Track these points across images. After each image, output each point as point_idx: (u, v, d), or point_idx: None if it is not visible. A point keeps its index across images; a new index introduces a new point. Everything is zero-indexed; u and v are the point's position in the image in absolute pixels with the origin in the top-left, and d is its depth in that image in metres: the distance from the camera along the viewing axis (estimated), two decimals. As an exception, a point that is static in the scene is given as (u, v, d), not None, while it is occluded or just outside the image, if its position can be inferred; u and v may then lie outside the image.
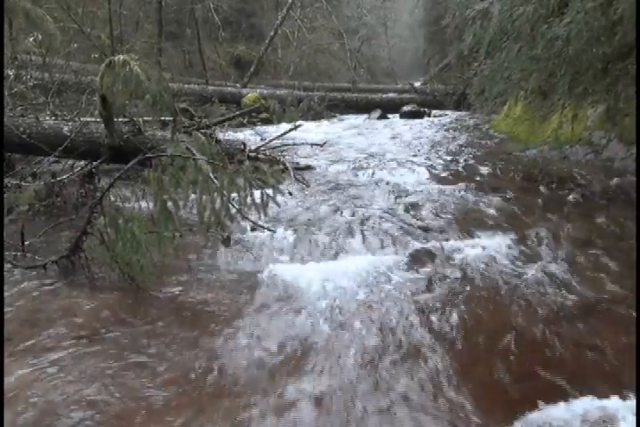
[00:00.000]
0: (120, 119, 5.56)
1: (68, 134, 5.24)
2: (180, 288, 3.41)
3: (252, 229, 4.05)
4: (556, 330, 2.85)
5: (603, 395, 2.28)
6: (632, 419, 2.11)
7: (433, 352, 2.68)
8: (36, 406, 2.31)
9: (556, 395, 2.30)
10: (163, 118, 6.20)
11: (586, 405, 2.24)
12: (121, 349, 2.75)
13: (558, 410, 2.22)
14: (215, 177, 3.13)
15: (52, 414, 2.27)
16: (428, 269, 3.58)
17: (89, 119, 5.88)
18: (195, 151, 3.28)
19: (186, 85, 13.27)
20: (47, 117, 5.88)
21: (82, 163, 5.59)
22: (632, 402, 2.21)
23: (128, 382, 2.49)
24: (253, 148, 6.63)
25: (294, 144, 8.02)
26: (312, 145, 8.10)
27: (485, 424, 2.20)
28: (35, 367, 2.56)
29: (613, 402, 2.23)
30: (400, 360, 2.62)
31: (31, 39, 8.00)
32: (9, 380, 2.44)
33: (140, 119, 5.72)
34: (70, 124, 5.57)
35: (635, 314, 2.89)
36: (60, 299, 3.26)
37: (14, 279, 3.43)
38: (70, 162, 5.66)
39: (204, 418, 2.25)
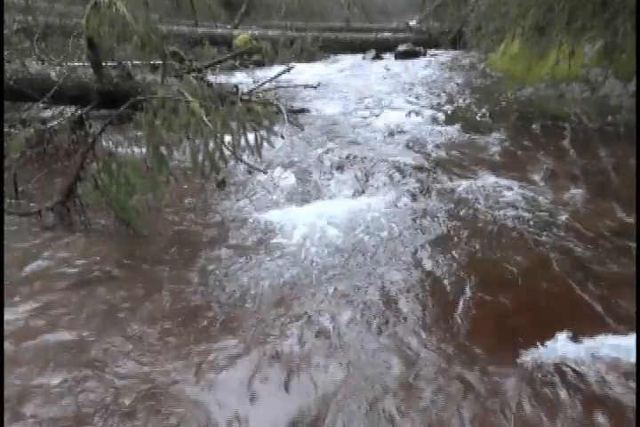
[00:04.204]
0: (109, 63, 5.43)
1: (56, 80, 5.12)
2: (175, 231, 3.43)
3: (248, 172, 4.04)
4: (554, 263, 2.90)
5: (615, 331, 2.32)
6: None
7: (424, 286, 2.73)
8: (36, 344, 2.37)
9: (564, 330, 2.35)
10: (152, 62, 6.05)
11: (597, 341, 2.28)
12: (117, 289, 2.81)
13: (568, 346, 2.27)
14: (208, 120, 3.09)
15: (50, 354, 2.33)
16: (422, 208, 3.60)
17: (77, 64, 5.73)
18: (186, 94, 3.22)
19: (175, 27, 12.87)
20: (33, 62, 5.73)
21: (72, 109, 5.49)
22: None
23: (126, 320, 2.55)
24: (246, 90, 6.50)
25: (288, 86, 7.85)
26: (306, 87, 7.92)
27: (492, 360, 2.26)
28: (35, 311, 2.61)
29: (626, 339, 2.27)
30: (382, 296, 2.67)
31: (12, -19, 7.70)
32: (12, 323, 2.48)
33: (130, 63, 5.58)
34: (57, 69, 5.42)
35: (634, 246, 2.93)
36: (57, 244, 3.28)
37: (11, 226, 3.43)
38: (60, 108, 5.57)
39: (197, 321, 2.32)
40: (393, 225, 3.40)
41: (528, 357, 2.21)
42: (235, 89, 6.29)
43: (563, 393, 2.03)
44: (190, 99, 3.12)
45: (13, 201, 3.65)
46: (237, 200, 3.88)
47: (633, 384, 2.03)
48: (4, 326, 2.41)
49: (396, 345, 2.34)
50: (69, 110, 5.48)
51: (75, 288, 2.82)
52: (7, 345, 2.32)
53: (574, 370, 2.13)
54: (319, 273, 2.90)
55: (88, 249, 3.23)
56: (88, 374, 2.20)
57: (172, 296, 2.74)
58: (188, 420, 1.97)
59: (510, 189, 3.80)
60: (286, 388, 2.12)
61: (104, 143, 3.61)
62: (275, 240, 3.28)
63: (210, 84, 5.92)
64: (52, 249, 3.21)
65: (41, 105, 5.30)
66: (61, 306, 2.66)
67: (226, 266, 3.01)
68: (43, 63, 5.79)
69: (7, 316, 2.48)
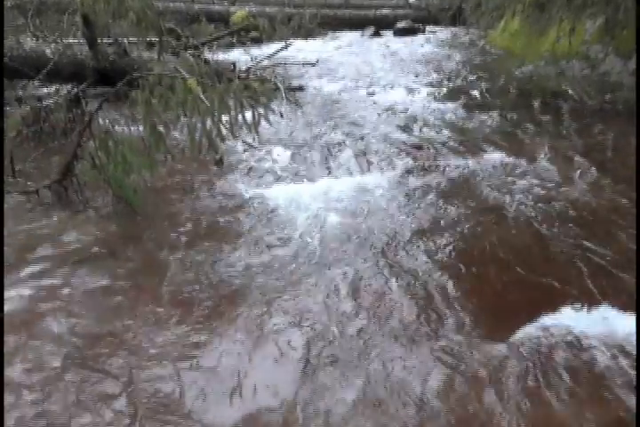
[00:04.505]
0: (104, 40, 5.37)
1: (51, 57, 5.09)
2: (172, 210, 3.43)
3: (245, 150, 4.02)
4: (551, 239, 2.91)
5: (607, 307, 2.34)
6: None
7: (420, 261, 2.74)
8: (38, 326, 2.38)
9: (556, 305, 2.36)
10: (148, 39, 5.98)
11: (587, 316, 2.31)
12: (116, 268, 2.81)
13: (558, 320, 2.29)
14: (205, 97, 3.06)
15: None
16: (420, 186, 3.60)
17: (72, 41, 5.67)
18: (183, 71, 3.19)
19: (170, 4, 12.70)
20: (28, 39, 5.67)
21: (68, 87, 5.44)
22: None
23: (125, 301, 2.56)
24: (244, 68, 6.45)
25: (286, 64, 7.79)
26: (304, 64, 7.88)
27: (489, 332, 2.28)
28: (34, 290, 2.62)
29: (616, 314, 2.30)
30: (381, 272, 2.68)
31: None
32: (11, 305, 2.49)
33: (126, 40, 5.53)
34: (53, 46, 5.38)
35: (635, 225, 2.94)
36: (55, 222, 3.27)
37: (8, 205, 3.42)
38: (56, 86, 5.52)
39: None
40: (391, 203, 3.40)
41: (522, 332, 2.23)
42: (232, 66, 6.28)
43: (553, 367, 2.05)
44: (187, 76, 3.09)
45: (11, 179, 3.63)
46: (235, 178, 3.86)
47: (623, 360, 2.06)
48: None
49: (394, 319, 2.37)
50: (65, 88, 5.43)
51: (73, 267, 2.82)
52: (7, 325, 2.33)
53: (567, 344, 2.15)
54: (316, 252, 2.91)
55: (86, 228, 3.22)
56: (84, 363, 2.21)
57: (171, 275, 2.74)
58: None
59: (509, 166, 3.79)
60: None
61: (101, 121, 3.57)
62: (274, 218, 3.27)
63: (207, 62, 5.88)
64: (50, 228, 3.21)
65: (36, 83, 5.27)
66: (60, 285, 2.66)
67: (224, 243, 3.01)
68: (37, 40, 5.74)
69: (7, 295, 2.49)
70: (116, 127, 3.64)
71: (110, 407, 1.95)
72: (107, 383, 2.06)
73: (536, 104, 5.38)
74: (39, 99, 5.06)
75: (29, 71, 4.89)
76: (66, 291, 2.61)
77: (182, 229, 3.18)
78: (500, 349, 2.17)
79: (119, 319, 2.41)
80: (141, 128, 3.29)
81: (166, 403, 1.97)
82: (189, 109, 3.02)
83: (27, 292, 2.59)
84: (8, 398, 1.95)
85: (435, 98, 6.06)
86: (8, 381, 2.01)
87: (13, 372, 2.09)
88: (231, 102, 3.10)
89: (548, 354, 2.12)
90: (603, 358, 2.09)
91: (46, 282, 2.68)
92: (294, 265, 2.79)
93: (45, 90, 5.56)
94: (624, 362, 2.06)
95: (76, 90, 5.22)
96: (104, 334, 2.33)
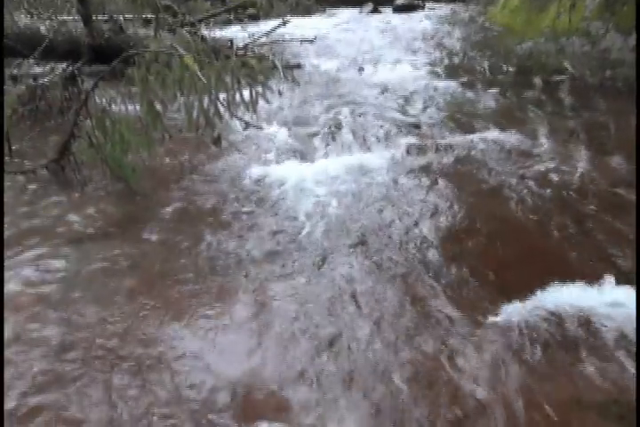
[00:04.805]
0: (100, 17, 5.30)
1: (46, 34, 5.02)
2: (171, 189, 3.42)
3: (243, 129, 3.99)
4: (546, 216, 2.91)
5: (596, 283, 2.35)
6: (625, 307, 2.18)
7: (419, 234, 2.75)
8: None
9: (548, 281, 2.37)
10: (144, 16, 5.92)
11: (578, 292, 2.31)
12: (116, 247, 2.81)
13: (551, 295, 2.30)
14: (202, 74, 3.03)
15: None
16: (420, 163, 3.59)
17: (67, 18, 5.60)
18: (179, 48, 3.15)
19: (166, -20, 12.54)
20: (22, 16, 5.60)
21: (63, 65, 5.38)
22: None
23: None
24: (241, 45, 6.38)
25: (283, 41, 7.71)
26: (302, 42, 7.79)
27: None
28: (32, 271, 2.62)
29: (607, 290, 2.30)
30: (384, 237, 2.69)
31: None
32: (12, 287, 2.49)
33: (121, 17, 5.45)
34: (47, 23, 5.31)
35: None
36: (53, 202, 3.26)
37: (6, 185, 3.41)
38: (51, 65, 5.45)
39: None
40: (391, 182, 3.39)
41: (515, 305, 2.25)
42: (229, 43, 6.19)
43: (547, 340, 2.07)
44: (184, 53, 3.05)
45: (7, 159, 3.61)
46: (233, 157, 3.84)
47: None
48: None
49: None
50: (61, 66, 5.37)
51: (72, 247, 2.82)
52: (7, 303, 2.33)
53: (559, 318, 2.17)
54: (313, 230, 2.91)
55: (84, 208, 3.21)
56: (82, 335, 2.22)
57: (170, 255, 2.74)
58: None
59: (509, 144, 3.77)
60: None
61: (97, 100, 3.53)
62: (272, 198, 3.26)
63: (204, 39, 5.80)
64: (48, 208, 3.20)
65: (31, 61, 5.21)
66: (59, 264, 2.66)
67: (221, 223, 3.01)
68: (32, 17, 5.66)
69: (6, 274, 2.50)
70: (113, 106, 3.61)
71: (112, 384, 1.97)
72: (103, 364, 2.07)
73: (536, 81, 5.33)
74: (34, 77, 5.01)
75: (24, 49, 4.83)
76: (64, 271, 2.61)
77: (180, 209, 3.18)
78: (495, 322, 2.19)
79: (118, 301, 2.42)
80: (138, 107, 3.26)
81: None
82: (186, 87, 2.98)
83: (25, 273, 2.59)
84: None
85: (434, 75, 6.01)
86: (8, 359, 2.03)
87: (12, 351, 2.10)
88: (228, 80, 3.06)
89: (541, 328, 2.14)
90: (598, 332, 2.10)
91: (44, 262, 2.67)
92: (293, 246, 2.79)
93: (40, 68, 5.50)
94: (617, 335, 2.07)
95: (71, 68, 5.16)
96: (102, 316, 2.33)
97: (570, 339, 2.09)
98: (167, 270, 2.61)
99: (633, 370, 1.91)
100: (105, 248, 2.81)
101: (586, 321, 2.15)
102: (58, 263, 2.67)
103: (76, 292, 2.46)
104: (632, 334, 2.05)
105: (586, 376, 1.93)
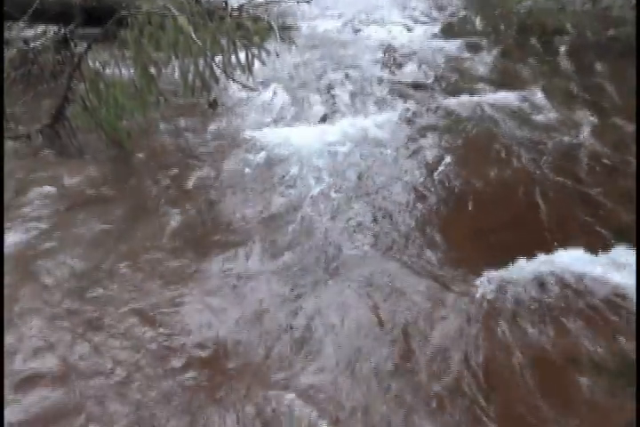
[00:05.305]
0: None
1: (36, -5, 4.89)
2: (166, 153, 3.39)
3: (239, 92, 3.95)
4: (542, 179, 2.91)
5: (588, 247, 2.35)
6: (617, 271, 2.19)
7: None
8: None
9: (539, 246, 2.38)
10: (136, -25, 5.76)
11: (570, 256, 2.32)
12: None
13: (541, 260, 2.31)
14: (197, 36, 2.97)
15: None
16: (419, 126, 3.56)
17: (56, -22, 5.45)
18: (173, 9, 3.08)
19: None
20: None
21: (54, 28, 5.26)
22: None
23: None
24: (236, 6, 6.24)
25: (279, 1, 7.54)
26: (298, 2, 7.62)
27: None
28: (31, 234, 2.62)
29: (600, 256, 2.32)
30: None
31: None
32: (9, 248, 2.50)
33: (113, -24, 5.30)
34: (37, -16, 5.16)
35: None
36: (49, 166, 3.24)
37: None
38: (42, 28, 5.34)
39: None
40: (390, 144, 3.36)
41: (508, 269, 2.27)
42: (224, 4, 6.04)
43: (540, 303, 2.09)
44: (177, 14, 2.99)
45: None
46: (230, 120, 3.80)
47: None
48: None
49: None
50: (52, 29, 5.26)
51: (68, 211, 2.81)
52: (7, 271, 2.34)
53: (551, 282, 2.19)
54: (313, 195, 2.91)
55: (80, 172, 3.19)
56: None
57: (166, 219, 2.74)
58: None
59: (508, 105, 3.73)
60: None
61: (90, 63, 3.47)
62: (269, 160, 3.25)
63: (198, 0, 5.68)
64: (43, 173, 3.18)
65: (22, 24, 5.09)
66: (56, 228, 2.67)
67: (218, 186, 3.00)
68: (21, -22, 5.50)
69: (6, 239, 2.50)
70: (107, 69, 3.55)
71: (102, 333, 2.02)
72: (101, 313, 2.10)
73: (536, 41, 5.24)
74: (25, 41, 4.91)
75: (14, 12, 4.71)
76: (61, 234, 2.62)
77: (176, 173, 3.16)
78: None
79: (114, 261, 2.44)
80: (132, 70, 3.21)
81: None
82: (181, 50, 2.94)
83: (24, 236, 2.59)
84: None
85: (433, 36, 5.89)
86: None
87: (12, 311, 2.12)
88: (224, 42, 3.01)
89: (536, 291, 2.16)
90: (593, 297, 2.12)
91: (42, 226, 2.67)
92: (289, 212, 2.79)
93: (32, 31, 5.38)
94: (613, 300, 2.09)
95: (63, 31, 5.06)
96: (98, 273, 2.36)
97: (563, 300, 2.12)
98: (163, 232, 2.62)
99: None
100: (101, 212, 2.82)
101: (579, 281, 2.18)
102: (54, 227, 2.69)
103: (71, 253, 2.48)
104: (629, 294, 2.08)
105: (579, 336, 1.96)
